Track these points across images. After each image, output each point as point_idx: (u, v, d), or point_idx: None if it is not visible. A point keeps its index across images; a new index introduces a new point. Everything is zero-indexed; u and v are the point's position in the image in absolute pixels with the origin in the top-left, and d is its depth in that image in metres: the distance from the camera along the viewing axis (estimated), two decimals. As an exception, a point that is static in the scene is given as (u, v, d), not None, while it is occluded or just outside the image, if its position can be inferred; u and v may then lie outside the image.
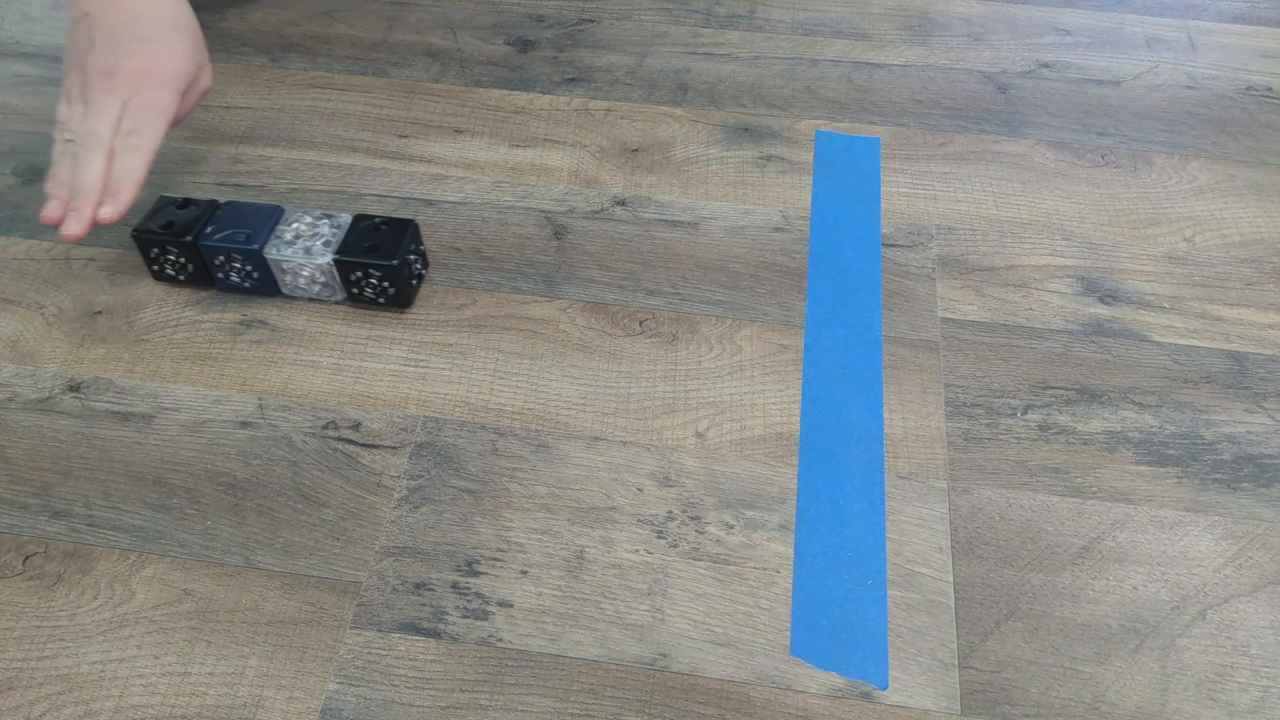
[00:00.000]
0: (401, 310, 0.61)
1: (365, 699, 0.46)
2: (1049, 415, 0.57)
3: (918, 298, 0.63)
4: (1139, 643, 0.48)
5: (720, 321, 0.61)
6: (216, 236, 0.59)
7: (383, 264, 0.58)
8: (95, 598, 0.49)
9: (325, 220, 0.60)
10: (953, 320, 0.61)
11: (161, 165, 0.71)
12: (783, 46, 0.82)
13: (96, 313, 0.62)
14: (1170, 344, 0.60)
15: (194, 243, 0.59)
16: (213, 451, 0.55)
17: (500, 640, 0.48)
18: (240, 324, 0.61)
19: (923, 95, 0.77)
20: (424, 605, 0.49)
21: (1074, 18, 0.85)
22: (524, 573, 0.50)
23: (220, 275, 0.61)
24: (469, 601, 0.49)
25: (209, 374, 0.59)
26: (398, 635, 0.48)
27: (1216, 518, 0.53)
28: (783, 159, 0.72)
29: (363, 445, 0.55)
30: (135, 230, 0.60)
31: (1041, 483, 0.54)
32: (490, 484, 0.54)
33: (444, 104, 0.76)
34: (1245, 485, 0.54)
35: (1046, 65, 0.80)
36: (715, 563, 0.51)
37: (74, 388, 0.58)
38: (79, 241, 0.56)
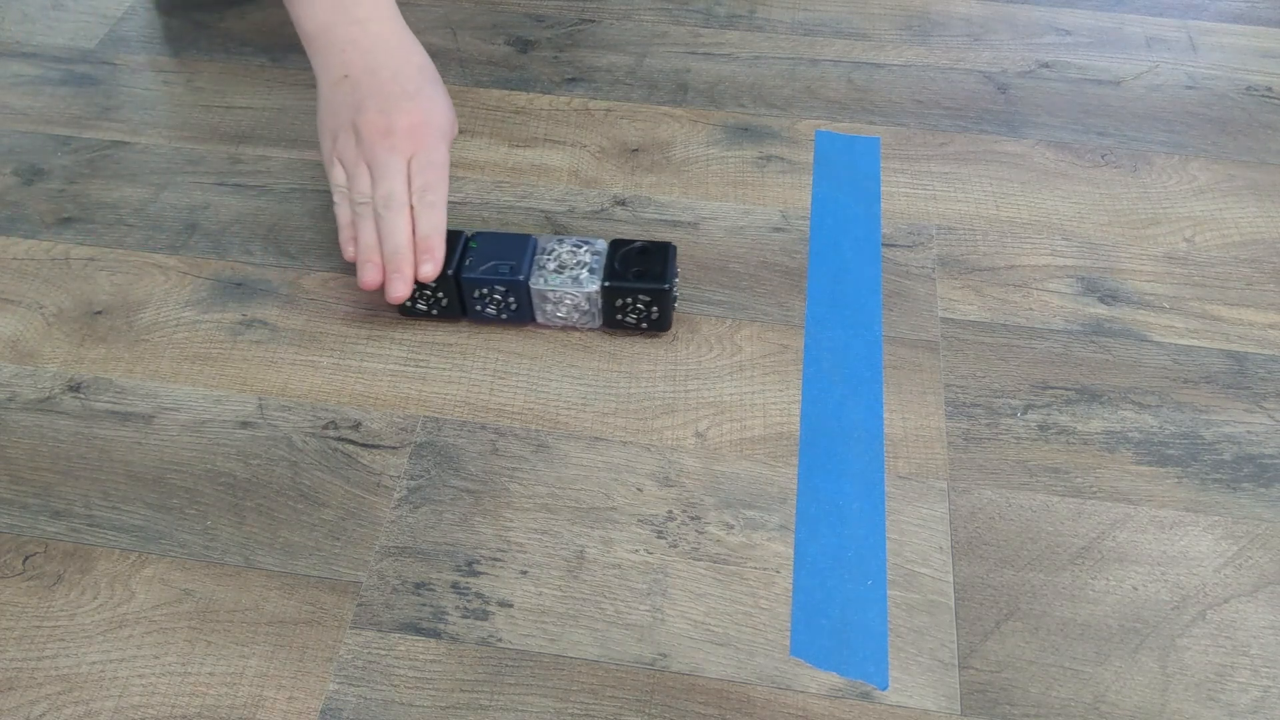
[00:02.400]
0: (660, 333, 0.60)
1: (365, 699, 0.46)
2: (1049, 415, 0.57)
3: (918, 298, 0.63)
4: (1139, 643, 0.48)
5: (720, 321, 0.61)
6: (480, 269, 0.58)
7: (654, 288, 0.57)
8: (95, 598, 0.49)
9: (584, 247, 0.59)
10: (953, 320, 0.61)
11: (161, 166, 0.71)
12: (783, 46, 0.82)
13: (96, 313, 0.62)
14: (1170, 344, 0.60)
15: (455, 276, 0.58)
16: (213, 451, 0.55)
17: (500, 640, 0.48)
18: (240, 324, 0.61)
19: (923, 95, 0.77)
20: (424, 605, 0.49)
21: (1074, 18, 0.85)
22: (524, 573, 0.50)
23: (478, 308, 0.60)
24: (469, 601, 0.49)
25: (209, 374, 0.59)
26: (398, 635, 0.48)
27: (1216, 518, 0.53)
28: (783, 159, 0.72)
29: (363, 445, 0.55)
30: None
31: (1041, 483, 0.54)
32: (490, 484, 0.54)
33: (444, 104, 0.76)
34: (1245, 485, 0.54)
35: (1046, 65, 0.80)
36: (715, 563, 0.51)
37: (74, 388, 0.58)
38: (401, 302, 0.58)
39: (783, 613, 0.49)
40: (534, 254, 0.59)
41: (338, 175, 0.59)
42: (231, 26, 0.83)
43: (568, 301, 0.58)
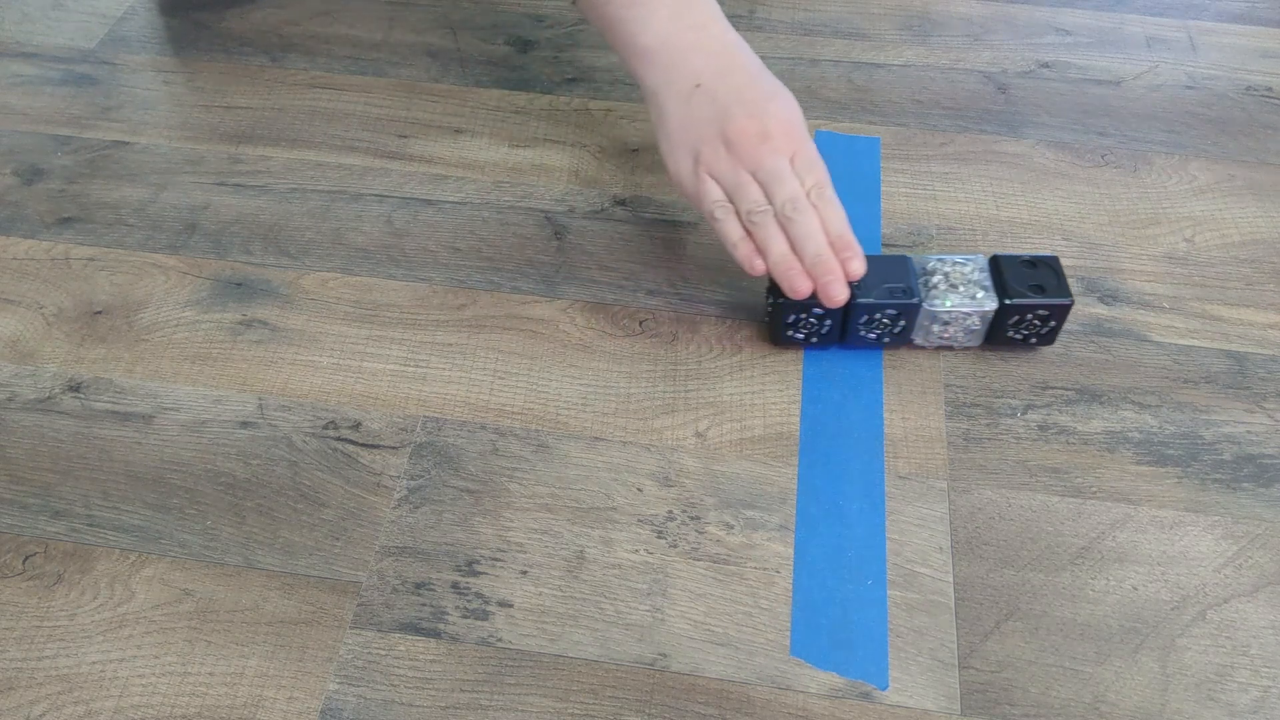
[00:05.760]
0: (1044, 347, 0.59)
1: (365, 699, 0.46)
2: (1049, 415, 0.57)
3: (918, 298, 0.63)
4: (1139, 643, 0.48)
5: (720, 322, 0.61)
6: (874, 293, 0.56)
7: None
8: (95, 598, 0.49)
9: (969, 264, 0.58)
10: (953, 320, 0.61)
11: (161, 166, 0.71)
12: (783, 46, 0.82)
13: (96, 313, 0.62)
14: (1170, 344, 0.60)
15: (849, 302, 0.55)
16: (213, 451, 0.55)
17: (500, 640, 0.48)
18: (240, 324, 0.61)
19: (923, 95, 0.77)
20: (424, 605, 0.49)
21: (1074, 18, 0.85)
22: (524, 573, 0.50)
23: (861, 332, 0.58)
24: (469, 601, 0.49)
25: (209, 374, 0.59)
26: (398, 635, 0.48)
27: (1216, 518, 0.53)
28: (783, 159, 0.72)
29: (363, 445, 0.55)
30: (778, 300, 0.56)
31: (1041, 483, 0.54)
32: (490, 484, 0.54)
33: (444, 104, 0.76)
34: (1245, 485, 0.54)
35: (1046, 65, 0.80)
36: (715, 563, 0.51)
37: (74, 388, 0.58)
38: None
39: (783, 613, 0.49)
40: (917, 275, 0.58)
41: (713, 191, 0.56)
42: (231, 26, 0.83)
43: (960, 321, 0.57)
